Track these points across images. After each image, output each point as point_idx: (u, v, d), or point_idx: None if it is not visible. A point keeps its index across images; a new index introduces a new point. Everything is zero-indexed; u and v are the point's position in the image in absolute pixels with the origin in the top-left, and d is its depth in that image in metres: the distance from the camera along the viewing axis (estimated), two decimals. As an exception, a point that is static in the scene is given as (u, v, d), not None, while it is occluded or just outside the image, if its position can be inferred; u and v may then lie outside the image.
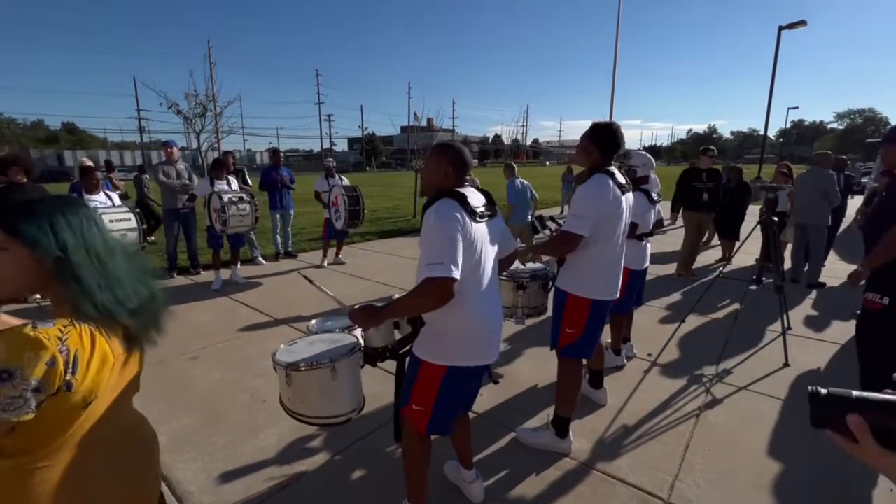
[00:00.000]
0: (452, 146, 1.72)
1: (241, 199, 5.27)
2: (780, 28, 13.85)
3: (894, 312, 2.28)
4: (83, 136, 61.34)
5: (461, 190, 1.63)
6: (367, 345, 2.09)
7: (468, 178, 1.74)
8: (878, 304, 2.35)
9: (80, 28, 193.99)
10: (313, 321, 2.43)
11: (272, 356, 1.92)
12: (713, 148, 6.28)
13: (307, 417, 1.88)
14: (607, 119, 2.35)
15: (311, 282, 2.20)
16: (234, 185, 5.77)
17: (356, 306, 1.73)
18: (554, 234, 2.66)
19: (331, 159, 7.19)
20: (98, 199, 4.47)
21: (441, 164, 1.68)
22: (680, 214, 8.25)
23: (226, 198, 5.15)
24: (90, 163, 5.61)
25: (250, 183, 6.76)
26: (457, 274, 1.48)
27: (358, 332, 2.21)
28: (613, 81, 17.09)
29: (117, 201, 4.62)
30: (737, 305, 4.83)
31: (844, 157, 7.19)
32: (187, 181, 5.81)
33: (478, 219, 1.61)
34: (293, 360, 1.85)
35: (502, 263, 1.91)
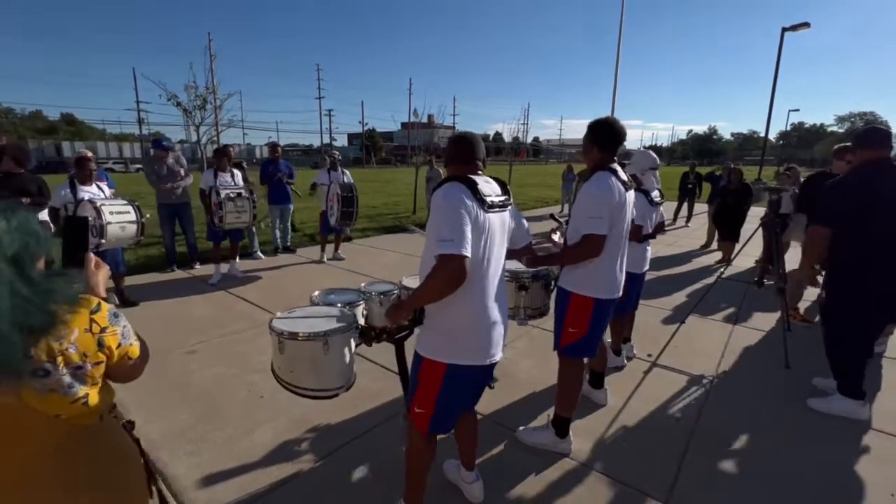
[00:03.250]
0: (459, 137, 1.73)
1: (239, 195, 5.22)
2: (784, 30, 13.83)
3: (831, 304, 2.79)
4: (82, 127, 60.95)
5: (472, 177, 1.59)
6: (366, 322, 2.06)
7: (481, 168, 1.70)
8: (822, 300, 2.84)
9: (80, 18, 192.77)
10: (316, 292, 2.40)
11: (269, 322, 1.91)
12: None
13: (295, 387, 1.87)
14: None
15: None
16: (239, 178, 5.71)
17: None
18: (555, 231, 2.63)
19: (336, 152, 7.11)
20: (90, 191, 4.36)
21: (448, 156, 1.69)
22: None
23: (223, 193, 5.10)
24: (90, 154, 5.56)
25: (248, 179, 6.67)
26: (467, 251, 1.43)
27: (358, 310, 2.19)
28: (615, 81, 17.03)
29: (108, 194, 4.55)
30: (737, 307, 4.82)
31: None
32: (180, 177, 5.76)
33: (487, 208, 1.55)
34: (288, 328, 1.84)
35: (515, 253, 1.90)
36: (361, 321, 2.08)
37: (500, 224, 1.64)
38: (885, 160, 2.58)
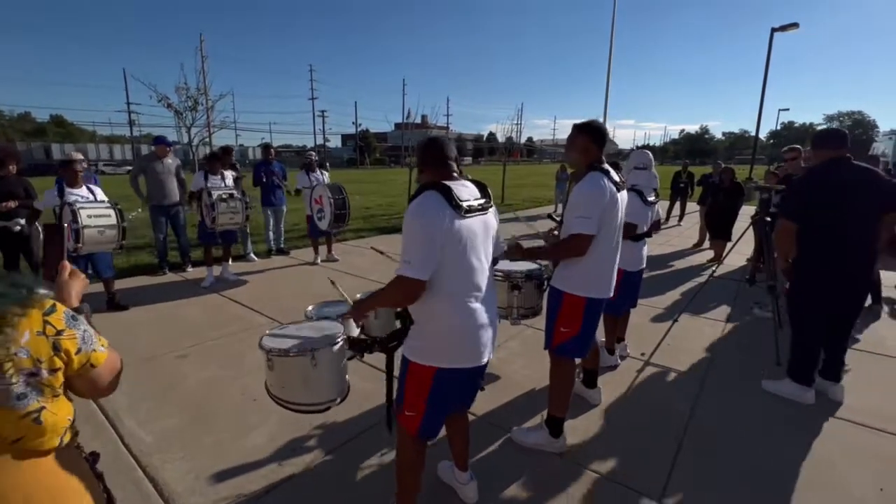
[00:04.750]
0: (432, 140, 1.68)
1: (231, 196, 5.18)
2: (773, 30, 14.00)
3: (792, 292, 3.00)
4: (72, 128, 60.19)
5: (447, 182, 1.56)
6: (363, 332, 2.05)
7: (455, 170, 1.67)
8: (785, 289, 3.05)
9: (69, 19, 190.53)
10: (310, 307, 2.42)
11: (259, 339, 1.91)
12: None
13: (287, 402, 1.88)
14: (601, 118, 2.34)
15: (333, 283, 2.29)
16: (229, 180, 5.67)
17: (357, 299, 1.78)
18: (553, 231, 2.64)
19: (313, 153, 7.04)
20: (79, 194, 4.27)
21: (420, 159, 1.67)
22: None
23: (216, 195, 5.06)
24: (80, 156, 5.50)
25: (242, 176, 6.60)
26: (424, 276, 1.48)
27: (352, 321, 2.19)
28: (608, 81, 17.14)
29: (100, 196, 4.46)
30: (729, 305, 4.87)
31: None
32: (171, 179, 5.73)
33: (464, 214, 1.53)
34: (276, 345, 1.85)
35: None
36: (356, 332, 2.08)
37: (481, 227, 1.62)
38: (845, 158, 2.77)
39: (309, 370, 1.81)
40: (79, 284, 1.14)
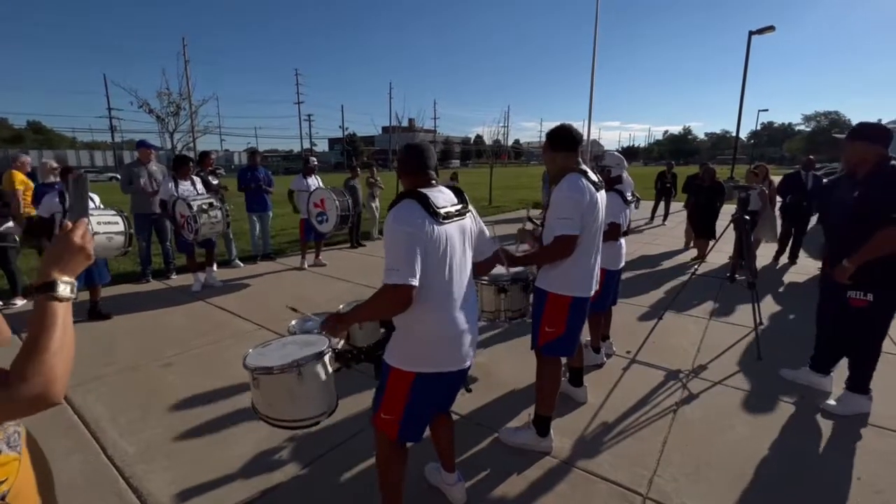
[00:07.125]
0: (409, 147, 1.69)
1: (211, 205, 5.07)
2: (751, 33, 14.34)
3: (880, 305, 2.54)
4: (50, 135, 58.91)
5: (424, 190, 1.58)
6: (348, 343, 2.05)
7: (433, 177, 1.69)
8: (863, 301, 2.56)
9: (47, 23, 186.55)
10: (293, 321, 2.40)
11: (243, 358, 1.88)
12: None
13: (275, 420, 1.85)
14: (586, 120, 2.39)
15: (294, 310, 2.23)
16: (199, 186, 5.53)
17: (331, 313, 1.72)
18: (535, 231, 2.67)
19: (314, 158, 7.02)
20: None
21: (400, 166, 1.70)
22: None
23: (196, 205, 4.92)
24: (55, 164, 5.40)
25: (224, 186, 6.50)
26: (413, 281, 1.46)
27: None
28: (592, 84, 17.28)
29: (98, 202, 4.40)
30: (711, 302, 4.96)
31: (812, 157, 7.28)
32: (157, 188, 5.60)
33: (442, 220, 1.55)
34: (261, 363, 1.81)
35: (482, 266, 1.86)
36: (341, 343, 2.06)
37: (459, 232, 1.64)
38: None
39: (296, 386, 1.77)
40: (82, 257, 0.89)
